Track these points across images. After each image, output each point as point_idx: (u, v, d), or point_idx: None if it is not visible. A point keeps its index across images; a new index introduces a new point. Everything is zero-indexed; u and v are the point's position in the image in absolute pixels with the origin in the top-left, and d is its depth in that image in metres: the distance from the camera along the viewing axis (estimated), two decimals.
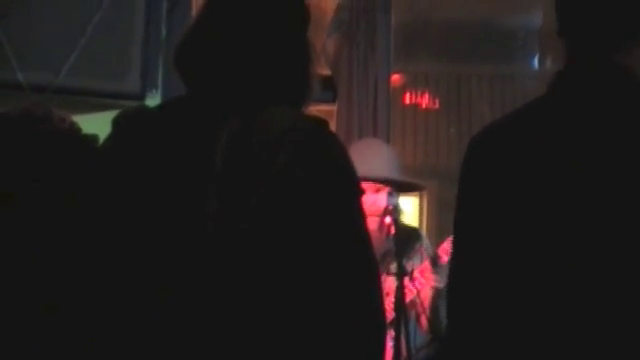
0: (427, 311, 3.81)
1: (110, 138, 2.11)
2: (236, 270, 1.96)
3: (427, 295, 3.78)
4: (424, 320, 3.84)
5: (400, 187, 3.90)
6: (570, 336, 1.92)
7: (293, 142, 2.01)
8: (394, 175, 3.86)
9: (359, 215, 2.06)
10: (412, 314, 3.81)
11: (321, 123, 2.09)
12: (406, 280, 3.58)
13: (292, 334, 1.97)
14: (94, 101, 4.01)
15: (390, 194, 3.77)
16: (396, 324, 3.44)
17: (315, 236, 1.99)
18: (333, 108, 5.48)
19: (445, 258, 3.71)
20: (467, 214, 2.09)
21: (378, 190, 3.78)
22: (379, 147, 4.07)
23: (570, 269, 1.92)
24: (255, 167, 1.99)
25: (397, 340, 3.43)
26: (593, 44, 2.01)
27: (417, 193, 8.26)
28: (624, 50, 2.00)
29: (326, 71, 5.36)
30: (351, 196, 2.06)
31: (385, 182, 3.80)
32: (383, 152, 3.97)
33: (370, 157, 3.79)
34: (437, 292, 3.81)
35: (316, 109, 2.15)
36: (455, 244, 2.14)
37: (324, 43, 5.28)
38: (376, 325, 2.04)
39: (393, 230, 3.66)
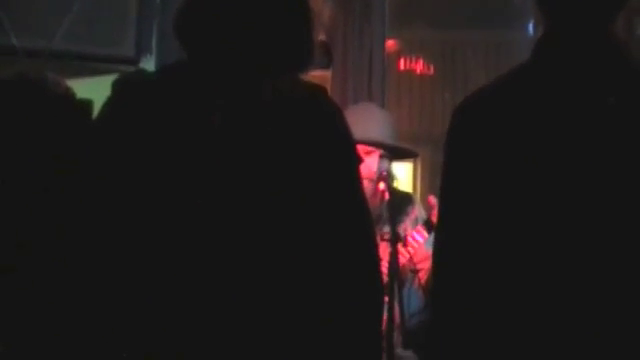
0: (424, 275, 3.81)
1: (110, 102, 2.11)
2: (236, 233, 1.98)
3: (423, 258, 3.78)
4: (419, 284, 3.84)
5: (393, 152, 3.90)
6: (562, 312, 1.93)
7: (293, 108, 2.02)
8: (388, 139, 3.86)
9: (357, 182, 2.08)
10: (406, 279, 3.81)
11: (320, 90, 2.10)
12: (399, 245, 3.58)
13: (289, 296, 1.99)
14: (88, 66, 4.00)
15: (381, 157, 3.76)
16: (389, 290, 3.44)
17: (314, 201, 2.00)
18: (328, 74, 5.47)
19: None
20: (452, 181, 2.10)
21: (369, 153, 3.77)
22: (374, 111, 4.06)
23: (558, 236, 1.94)
24: (255, 133, 2.00)
25: (391, 306, 3.44)
26: (582, 12, 2.01)
27: (411, 160, 8.27)
28: (611, 18, 2.02)
29: (321, 36, 5.35)
30: (349, 163, 2.08)
31: (379, 146, 3.80)
32: (378, 116, 3.97)
33: (365, 121, 3.78)
34: None
35: (311, 75, 2.15)
36: (440, 212, 2.14)
37: (319, 8, 5.27)
38: (374, 289, 2.06)
39: (387, 196, 3.66)
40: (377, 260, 2.09)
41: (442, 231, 2.13)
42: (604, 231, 1.92)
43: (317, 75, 5.25)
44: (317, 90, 2.10)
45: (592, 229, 1.93)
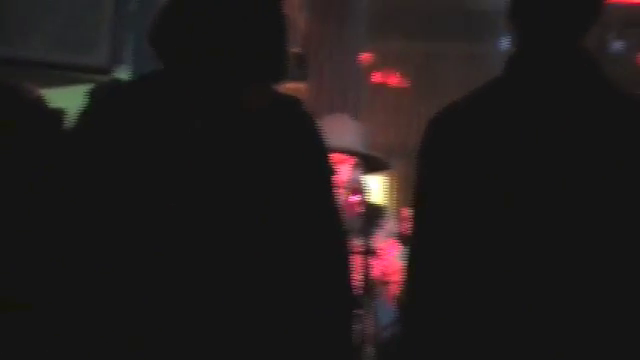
0: (396, 288, 3.82)
1: (86, 111, 2.09)
2: (212, 240, 1.97)
3: (395, 271, 3.78)
4: (391, 296, 3.84)
5: (367, 162, 3.90)
6: (535, 322, 1.95)
7: (268, 119, 2.03)
8: (361, 149, 3.86)
9: (330, 192, 2.08)
10: (378, 292, 3.82)
11: (296, 102, 2.10)
12: (372, 258, 3.59)
13: (259, 305, 1.98)
14: (61, 75, 3.98)
15: (355, 167, 3.76)
16: (362, 303, 3.44)
17: (288, 210, 2.00)
18: (303, 86, 5.48)
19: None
20: (425, 194, 2.11)
21: (342, 162, 3.77)
22: (347, 121, 4.06)
23: (527, 249, 1.95)
24: (232, 142, 2.00)
25: (363, 318, 3.44)
26: (553, 27, 2.04)
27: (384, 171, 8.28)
28: (582, 33, 2.04)
29: (297, 48, 5.35)
30: (323, 173, 2.08)
31: (352, 154, 3.79)
32: (351, 126, 3.97)
33: (339, 130, 3.78)
34: None
35: (286, 87, 2.15)
36: (413, 225, 2.14)
37: (295, 19, 5.26)
38: (345, 301, 2.07)
39: (360, 208, 3.66)
40: (349, 272, 2.09)
41: (414, 243, 2.13)
42: (574, 244, 1.94)
43: (292, 87, 5.26)
44: (292, 100, 2.10)
45: (562, 243, 1.94)
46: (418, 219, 2.13)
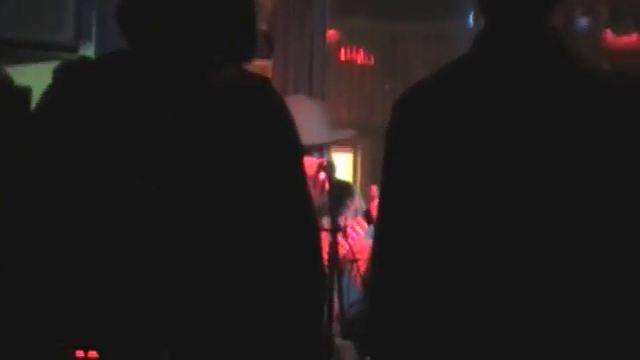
0: (363, 266, 3.82)
1: (52, 90, 2.07)
2: (180, 222, 1.96)
3: (362, 249, 3.79)
4: (358, 274, 3.85)
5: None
6: (501, 302, 1.95)
7: (238, 100, 2.02)
8: (326, 136, 3.85)
9: (301, 175, 2.08)
10: (345, 269, 3.82)
11: (265, 81, 2.10)
12: (339, 236, 3.59)
13: (229, 287, 1.98)
14: (26, 53, 3.95)
15: (321, 151, 3.77)
16: (329, 280, 3.45)
17: (258, 194, 1.99)
18: (269, 64, 5.48)
19: (374, 210, 3.71)
20: (392, 174, 2.11)
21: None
22: (307, 107, 4.01)
23: (499, 235, 1.96)
24: (201, 122, 1.99)
25: (329, 296, 3.44)
26: (520, 3, 2.04)
27: (351, 149, 8.29)
28: (548, 10, 2.04)
29: (263, 26, 5.34)
30: (294, 155, 2.08)
31: (323, 147, 3.80)
32: (312, 112, 3.94)
33: (301, 121, 3.77)
34: None
35: (252, 64, 2.15)
36: (381, 205, 2.15)
37: None
38: (316, 280, 2.07)
39: (327, 186, 3.66)
40: (320, 252, 2.09)
41: (382, 223, 2.13)
42: (538, 223, 1.94)
43: (258, 65, 5.24)
44: (262, 80, 2.09)
45: (527, 221, 1.94)
46: (385, 200, 2.13)
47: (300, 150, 2.09)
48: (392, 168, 2.11)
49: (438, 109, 2.05)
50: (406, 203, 2.05)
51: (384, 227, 2.12)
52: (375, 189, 3.72)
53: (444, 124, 2.02)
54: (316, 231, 2.10)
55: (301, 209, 2.05)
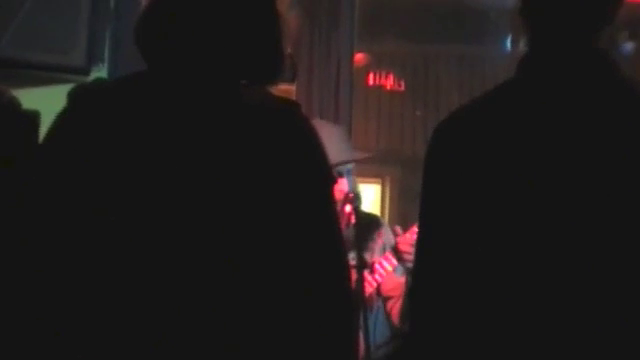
0: (398, 302, 3.81)
1: (68, 114, 2.06)
2: (206, 249, 1.96)
3: (394, 286, 3.78)
4: (394, 312, 3.83)
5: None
6: (544, 337, 1.96)
7: (265, 123, 2.01)
8: (344, 155, 3.85)
9: (331, 204, 2.07)
10: (372, 308, 3.81)
11: (294, 104, 2.08)
12: (365, 272, 3.58)
13: (259, 319, 1.97)
14: (36, 75, 3.97)
15: (348, 173, 3.75)
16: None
17: (287, 225, 1.98)
18: (291, 88, 5.46)
19: (404, 249, 3.70)
20: (433, 206, 2.09)
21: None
22: (326, 129, 4.02)
23: (545, 265, 1.96)
24: (225, 147, 1.98)
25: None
26: (568, 25, 2.03)
27: (379, 180, 8.28)
28: (598, 31, 2.04)
29: (287, 48, 5.35)
30: (324, 184, 2.06)
31: (343, 163, 3.79)
32: (331, 135, 3.94)
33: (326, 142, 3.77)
34: (408, 285, 3.80)
35: (273, 89, 2.14)
36: (421, 237, 2.14)
37: (285, 19, 5.26)
38: (347, 318, 2.05)
39: (353, 219, 3.65)
40: (351, 291, 2.08)
41: (423, 256, 2.13)
42: (587, 257, 1.94)
43: (280, 89, 5.25)
44: (290, 104, 2.08)
45: (577, 257, 1.94)
46: (425, 237, 2.13)
47: (331, 179, 2.08)
48: (431, 203, 2.10)
49: (479, 138, 2.04)
50: (447, 239, 2.05)
51: (424, 264, 2.12)
52: (399, 229, 3.73)
53: (488, 154, 2.02)
54: (346, 266, 2.08)
55: (331, 242, 2.03)
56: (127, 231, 1.96)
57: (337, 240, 2.05)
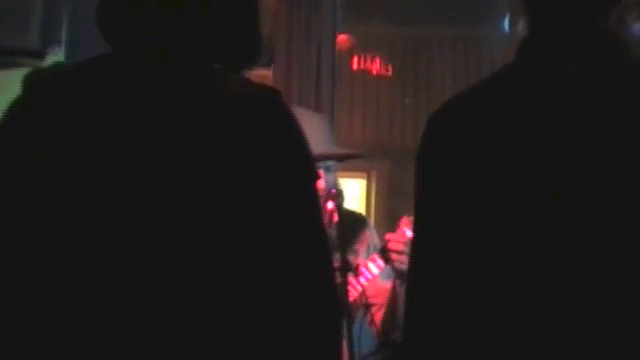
0: (381, 310, 3.81)
1: (23, 101, 2.06)
2: (182, 251, 1.95)
3: (378, 292, 3.78)
4: (376, 320, 3.83)
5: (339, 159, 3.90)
6: (545, 343, 1.98)
7: (244, 114, 1.99)
8: (330, 149, 3.86)
9: (315, 202, 2.06)
10: (357, 315, 3.81)
11: (274, 92, 2.06)
12: (350, 276, 3.58)
13: (231, 329, 1.98)
14: None
15: (328, 169, 3.75)
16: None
17: (267, 224, 1.98)
18: (268, 73, 5.46)
19: (395, 248, 3.70)
20: (430, 205, 2.11)
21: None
22: (308, 120, 4.00)
23: (545, 264, 1.97)
24: (198, 141, 1.97)
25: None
26: (573, 4, 2.04)
27: (364, 174, 8.27)
28: (605, 12, 2.04)
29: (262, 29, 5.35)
30: (308, 180, 2.06)
31: (325, 158, 3.78)
32: (313, 126, 3.94)
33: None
34: (394, 290, 3.81)
35: (249, 74, 2.14)
36: (417, 240, 2.15)
37: None
38: (332, 326, 2.06)
39: (336, 218, 3.65)
40: (337, 296, 2.07)
41: (420, 255, 2.14)
42: (594, 255, 1.95)
43: (256, 74, 5.24)
44: (270, 91, 2.06)
45: (578, 250, 1.95)
46: (421, 236, 2.14)
47: (315, 174, 2.07)
48: (425, 200, 2.11)
49: (478, 129, 2.05)
50: (448, 240, 2.06)
51: (420, 263, 2.13)
52: (406, 221, 3.71)
53: (486, 146, 2.03)
54: (331, 270, 2.09)
55: (314, 243, 2.03)
56: (91, 230, 1.96)
57: (321, 241, 2.05)
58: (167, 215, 1.95)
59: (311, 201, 2.05)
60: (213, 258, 1.96)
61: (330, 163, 3.81)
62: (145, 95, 2.01)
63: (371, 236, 4.03)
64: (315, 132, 3.81)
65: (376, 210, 8.25)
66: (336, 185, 3.75)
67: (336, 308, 2.08)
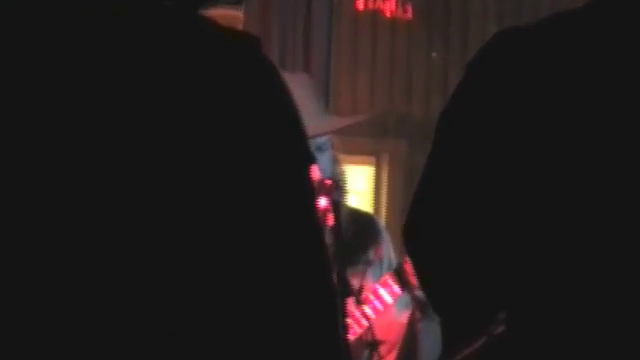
0: (393, 351, 3.85)
1: None
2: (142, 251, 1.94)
3: (389, 326, 3.81)
4: None
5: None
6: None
7: (208, 70, 2.01)
8: (321, 120, 3.89)
9: (310, 194, 2.09)
10: (363, 356, 3.88)
11: (252, 40, 2.08)
12: (351, 303, 3.58)
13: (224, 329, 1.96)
14: None
15: (319, 149, 3.78)
16: None
17: (246, 225, 1.99)
18: (238, 14, 5.47)
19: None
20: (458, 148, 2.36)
21: None
22: (291, 83, 4.08)
23: (584, 228, 2.27)
24: (140, 102, 1.97)
25: None
26: None
27: (373, 159, 8.31)
28: None
29: None
30: (300, 165, 2.07)
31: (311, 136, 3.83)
32: (298, 90, 3.98)
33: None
34: (412, 324, 3.83)
35: (214, 14, 2.16)
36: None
37: None
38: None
39: (332, 220, 3.62)
40: (338, 327, 2.07)
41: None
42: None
43: (220, 15, 5.25)
44: (245, 39, 2.08)
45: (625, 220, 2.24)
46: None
47: (309, 157, 2.08)
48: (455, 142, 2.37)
49: (533, 84, 2.28)
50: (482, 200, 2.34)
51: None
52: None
53: (541, 104, 2.26)
54: (334, 293, 2.09)
55: (309, 256, 2.03)
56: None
57: (319, 252, 2.06)
58: (117, 208, 1.93)
59: (305, 195, 2.07)
60: (164, 265, 1.95)
61: (322, 140, 3.82)
62: (74, 38, 2.02)
63: (384, 248, 4.04)
64: (302, 100, 3.82)
65: (388, 208, 8.32)
66: (334, 173, 3.76)
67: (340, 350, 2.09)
